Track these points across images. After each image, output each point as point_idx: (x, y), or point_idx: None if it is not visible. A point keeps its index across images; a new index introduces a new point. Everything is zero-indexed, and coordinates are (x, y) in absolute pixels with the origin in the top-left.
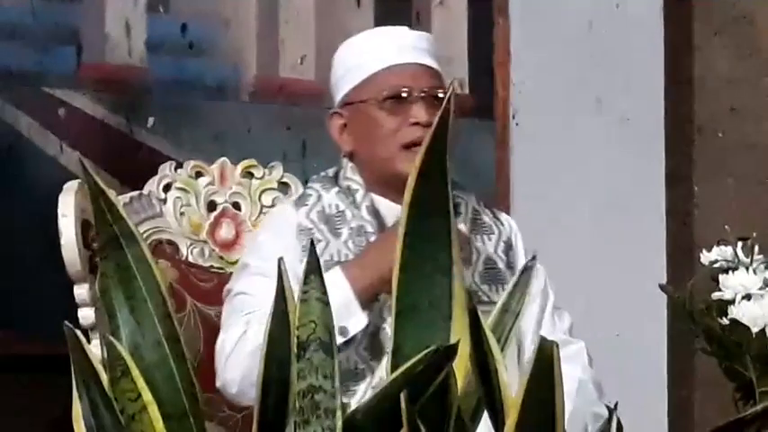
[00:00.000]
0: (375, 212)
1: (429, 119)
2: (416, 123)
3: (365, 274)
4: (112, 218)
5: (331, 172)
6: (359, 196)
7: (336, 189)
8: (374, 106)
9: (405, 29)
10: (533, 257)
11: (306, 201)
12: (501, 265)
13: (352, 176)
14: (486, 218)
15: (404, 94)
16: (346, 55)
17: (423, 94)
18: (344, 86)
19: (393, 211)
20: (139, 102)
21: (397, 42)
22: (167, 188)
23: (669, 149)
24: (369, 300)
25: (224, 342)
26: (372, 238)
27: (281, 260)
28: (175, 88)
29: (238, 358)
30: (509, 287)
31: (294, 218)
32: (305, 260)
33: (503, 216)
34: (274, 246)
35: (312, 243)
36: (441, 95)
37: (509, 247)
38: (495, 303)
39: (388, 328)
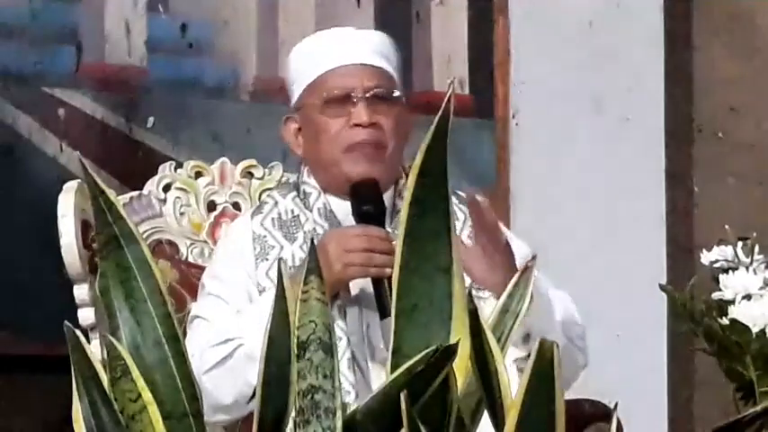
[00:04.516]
0: (328, 214)
1: (370, 119)
2: (358, 125)
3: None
4: (112, 218)
5: (292, 178)
6: (312, 199)
7: (293, 194)
8: (317, 110)
9: (350, 29)
10: (533, 257)
11: (261, 209)
12: None
13: (307, 180)
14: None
15: (343, 96)
16: (296, 59)
17: (367, 95)
18: (296, 91)
19: (347, 211)
20: (139, 102)
21: (342, 43)
22: (167, 188)
23: (669, 149)
24: None
25: None
26: None
27: (280, 261)
28: (175, 88)
29: None
30: (509, 287)
31: (248, 227)
32: (260, 264)
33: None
34: (226, 265)
35: (312, 242)
36: (385, 95)
37: None
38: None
39: (337, 327)
